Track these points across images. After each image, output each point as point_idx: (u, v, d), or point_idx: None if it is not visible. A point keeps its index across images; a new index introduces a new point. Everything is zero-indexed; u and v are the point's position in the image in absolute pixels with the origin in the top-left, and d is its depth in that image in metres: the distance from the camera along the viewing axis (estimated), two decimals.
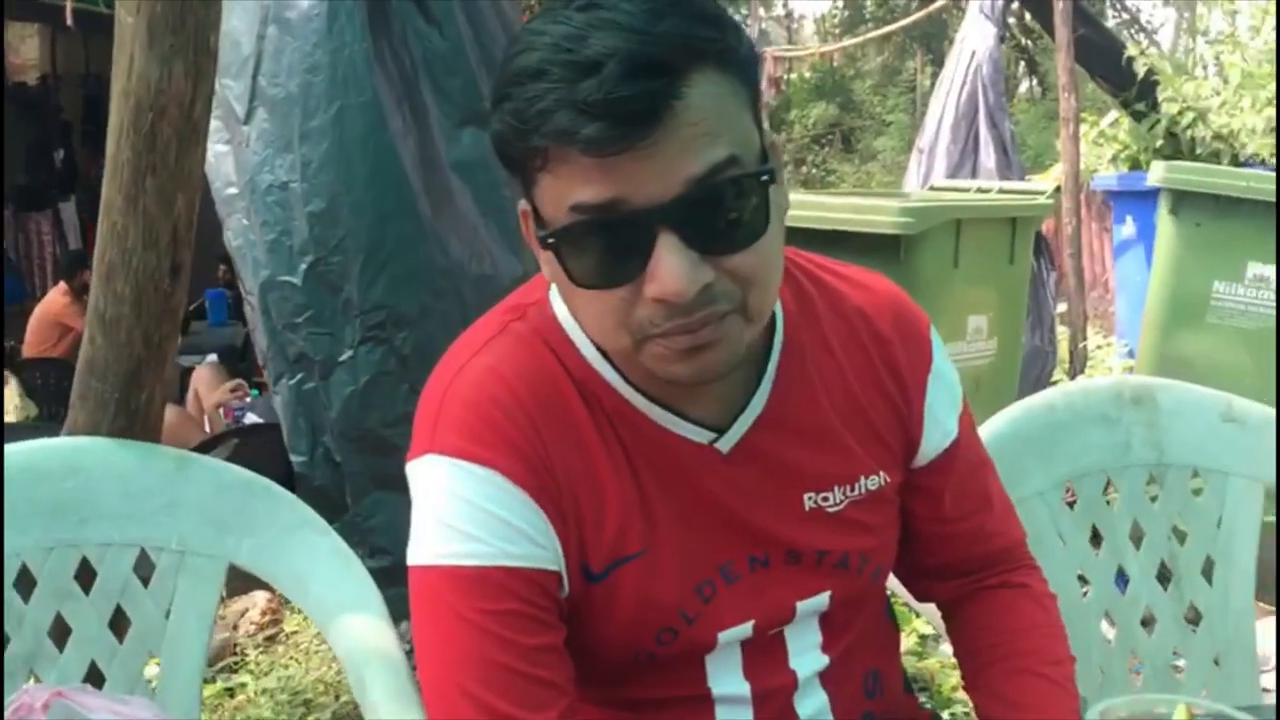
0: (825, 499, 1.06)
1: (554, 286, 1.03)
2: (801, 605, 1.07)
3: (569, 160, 0.86)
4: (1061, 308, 5.29)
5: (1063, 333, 5.14)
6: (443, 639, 0.97)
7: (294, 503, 1.47)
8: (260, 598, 3.31)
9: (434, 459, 0.98)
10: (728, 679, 1.07)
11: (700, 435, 1.01)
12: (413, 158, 2.90)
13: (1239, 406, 1.75)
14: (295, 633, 3.16)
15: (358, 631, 1.34)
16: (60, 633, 1.40)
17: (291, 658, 2.97)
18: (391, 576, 1.23)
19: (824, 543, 1.06)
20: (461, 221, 2.95)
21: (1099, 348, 5.79)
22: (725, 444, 1.02)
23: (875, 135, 16.63)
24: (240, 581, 3.23)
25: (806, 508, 1.05)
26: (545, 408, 0.99)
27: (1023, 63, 17.12)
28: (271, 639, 3.15)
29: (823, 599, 1.08)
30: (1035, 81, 16.94)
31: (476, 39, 3.09)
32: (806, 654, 1.10)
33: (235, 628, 3.23)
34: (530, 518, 0.97)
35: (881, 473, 1.09)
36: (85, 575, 1.41)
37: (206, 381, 4.47)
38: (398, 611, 1.26)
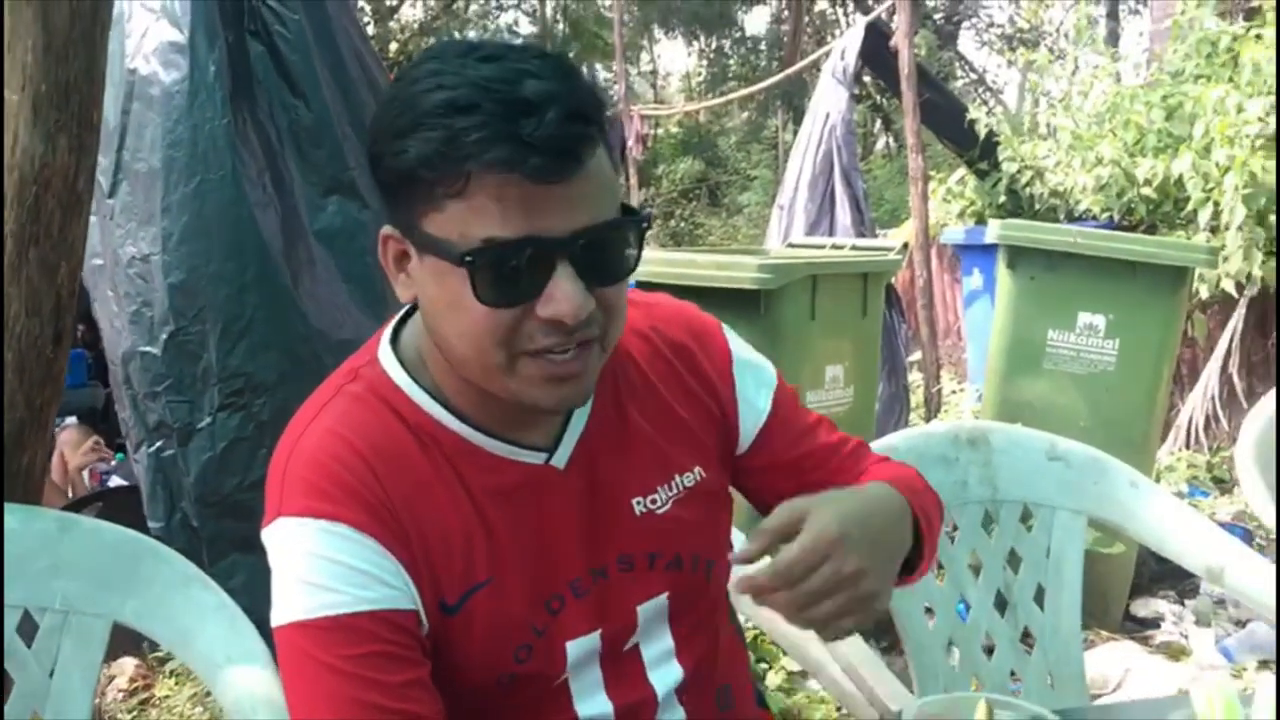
0: (653, 501, 1.16)
1: (383, 348, 1.14)
2: (641, 609, 1.16)
3: (491, 187, 0.96)
4: (916, 355, 5.56)
5: (919, 379, 5.39)
6: (311, 688, 1.03)
7: (177, 560, 1.51)
8: (128, 664, 3.25)
9: (284, 521, 1.05)
10: (592, 700, 1.15)
11: (535, 457, 1.12)
12: (274, 228, 3.00)
13: (1063, 446, 1.92)
14: (167, 697, 3.12)
15: (244, 682, 1.38)
16: None
17: (164, 718, 2.94)
18: None
19: (654, 545, 1.16)
20: (323, 289, 3.05)
21: (953, 392, 6.06)
22: (560, 460, 1.12)
23: (740, 190, 17.07)
24: (109, 648, 3.19)
25: (638, 512, 1.16)
26: (384, 458, 1.07)
27: (879, 120, 17.83)
28: (144, 704, 3.10)
29: (661, 600, 1.17)
30: (891, 139, 17.64)
31: (346, 106, 3.20)
32: (662, 666, 1.18)
33: (103, 694, 3.17)
34: (381, 563, 1.04)
35: (697, 468, 1.20)
36: None
37: (71, 444, 4.37)
38: None
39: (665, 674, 1.19)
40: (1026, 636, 1.87)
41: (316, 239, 3.03)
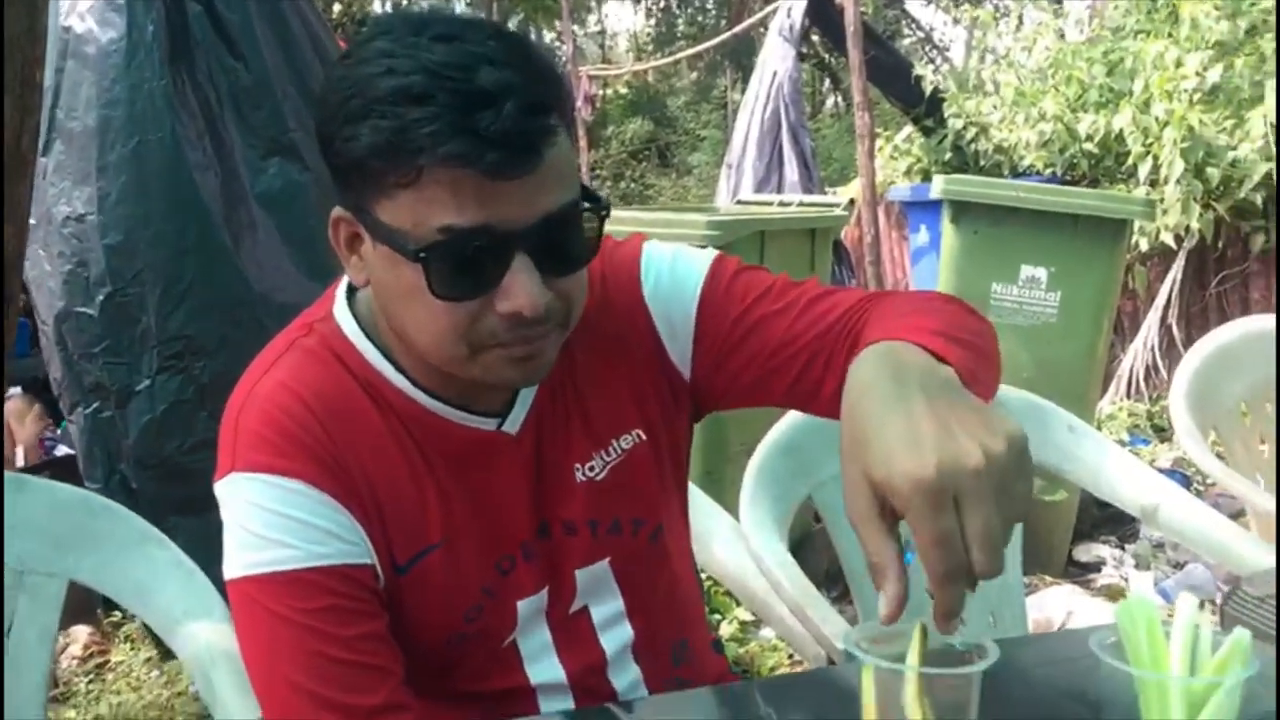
0: (591, 468, 1.15)
1: (338, 303, 1.12)
2: (580, 574, 1.15)
3: (443, 181, 0.93)
4: None
5: None
6: (266, 641, 1.04)
7: (132, 518, 1.51)
8: (82, 632, 3.24)
9: (237, 476, 1.05)
10: (544, 665, 1.15)
11: (487, 424, 1.11)
12: (214, 191, 2.97)
13: (1003, 394, 1.94)
14: (122, 662, 3.13)
15: (202, 636, 1.39)
16: None
17: (121, 685, 2.94)
18: None
19: (594, 513, 1.15)
20: (265, 252, 3.03)
21: None
22: (512, 426, 1.12)
23: (690, 150, 17.05)
24: (63, 616, 3.18)
25: (579, 479, 1.15)
26: (337, 414, 1.06)
27: (827, 80, 17.85)
28: (99, 669, 3.10)
29: (602, 566, 1.16)
30: (839, 98, 17.67)
31: (289, 67, 3.16)
32: (612, 628, 1.18)
33: (57, 662, 3.16)
34: (335, 518, 1.04)
35: (636, 430, 1.17)
36: None
37: (16, 415, 4.33)
38: None
39: (616, 635, 1.19)
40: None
41: (257, 202, 3.01)
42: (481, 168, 0.92)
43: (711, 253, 1.19)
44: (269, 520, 1.03)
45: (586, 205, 1.01)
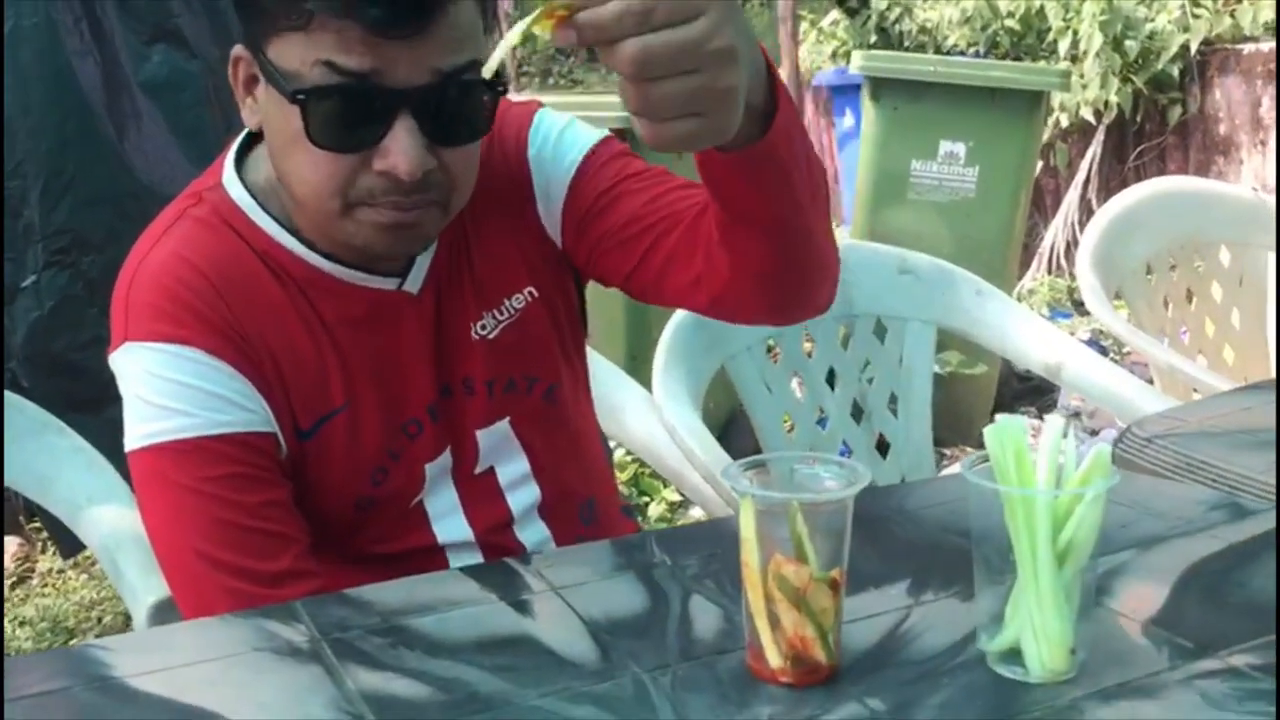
0: (484, 327, 1.15)
1: (228, 171, 1.10)
2: (481, 434, 1.16)
3: (333, 29, 0.92)
4: None
5: None
6: (169, 510, 1.04)
7: (28, 407, 1.49)
8: (11, 543, 3.22)
9: (130, 346, 1.04)
10: (451, 525, 1.16)
11: (388, 284, 1.10)
12: (94, 80, 2.86)
13: (912, 260, 1.99)
14: (50, 570, 3.10)
15: (107, 519, 1.38)
16: None
17: (49, 590, 2.93)
18: None
19: (490, 372, 1.15)
20: (151, 143, 2.93)
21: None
22: (413, 285, 1.11)
23: None
24: None
25: (474, 337, 1.14)
26: (231, 281, 1.05)
27: None
28: (25, 577, 3.08)
29: (503, 426, 1.17)
30: None
31: None
32: (519, 488, 1.19)
33: None
34: (233, 385, 1.04)
35: (528, 289, 1.16)
36: None
37: None
38: None
39: (522, 494, 1.20)
40: (882, 446, 1.96)
41: (142, 90, 2.91)
42: (364, 21, 0.91)
43: (603, 132, 1.18)
44: (167, 389, 1.03)
45: (482, 82, 0.98)
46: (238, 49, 1.03)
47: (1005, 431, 0.81)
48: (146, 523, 1.08)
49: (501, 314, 1.16)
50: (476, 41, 0.99)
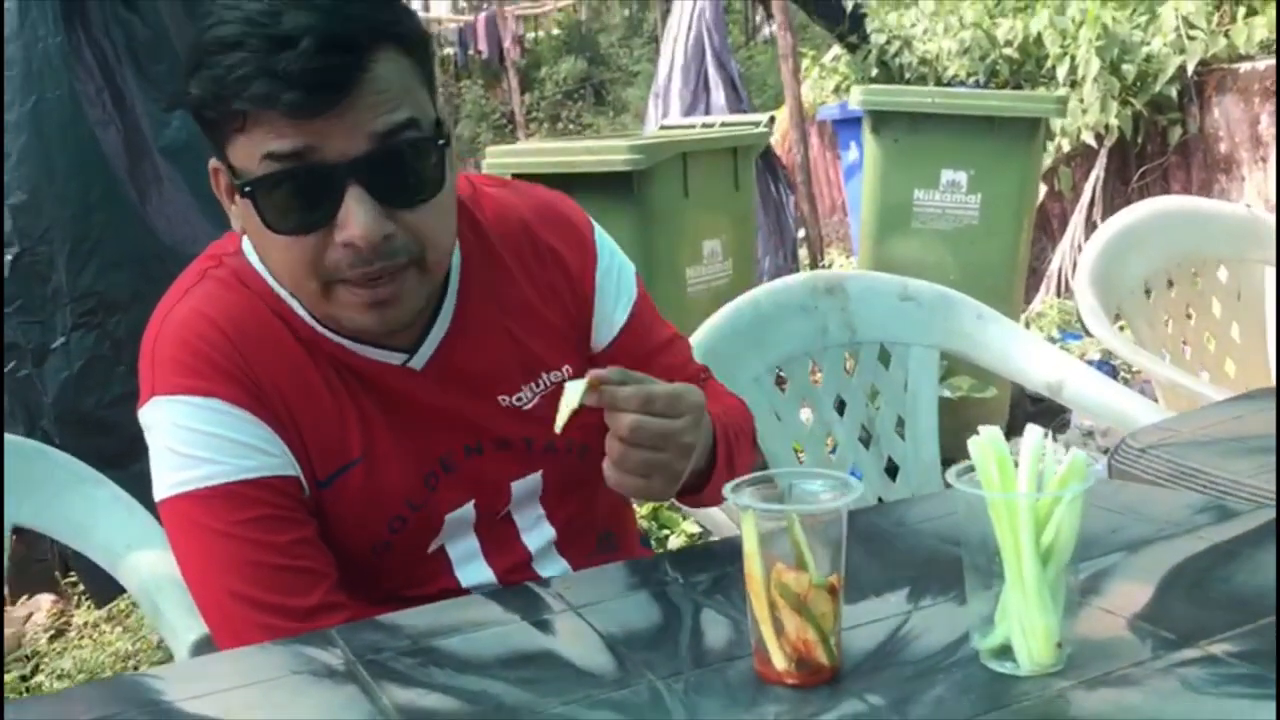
0: (518, 399, 1.20)
1: (245, 240, 1.14)
2: (516, 485, 1.21)
3: (264, 121, 0.98)
4: (804, 233, 5.69)
5: (804, 255, 5.53)
6: (202, 555, 1.09)
7: (68, 461, 1.55)
8: (45, 600, 3.28)
9: (158, 400, 1.10)
10: (472, 569, 1.21)
11: (393, 358, 1.15)
12: (116, 146, 3.00)
13: (913, 287, 2.04)
14: (86, 623, 3.17)
15: (146, 564, 1.44)
16: None
17: (85, 641, 2.99)
18: None
19: (528, 432, 1.20)
20: (172, 206, 3.07)
21: (841, 265, 6.22)
22: (418, 362, 1.16)
23: (625, 86, 16.94)
24: (25, 585, 3.21)
25: (503, 405, 1.19)
26: (249, 337, 1.10)
27: (761, 9, 17.74)
28: (62, 632, 3.14)
29: (535, 479, 1.22)
30: (772, 25, 17.56)
31: (191, 19, 3.17)
32: (534, 529, 1.24)
33: (23, 633, 3.20)
34: (257, 432, 1.09)
35: (565, 367, 1.23)
36: None
37: None
38: None
39: (538, 535, 1.24)
40: (892, 469, 2.01)
41: (162, 155, 3.05)
42: (282, 107, 0.97)
43: (632, 268, 1.31)
44: (194, 439, 1.08)
45: (423, 135, 1.03)
46: (213, 161, 1.08)
47: (988, 442, 0.86)
48: (181, 567, 1.13)
49: (540, 386, 1.21)
50: (410, 96, 1.04)
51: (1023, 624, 0.84)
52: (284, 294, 1.13)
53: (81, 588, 3.22)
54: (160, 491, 1.10)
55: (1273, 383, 2.23)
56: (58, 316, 2.97)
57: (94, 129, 2.94)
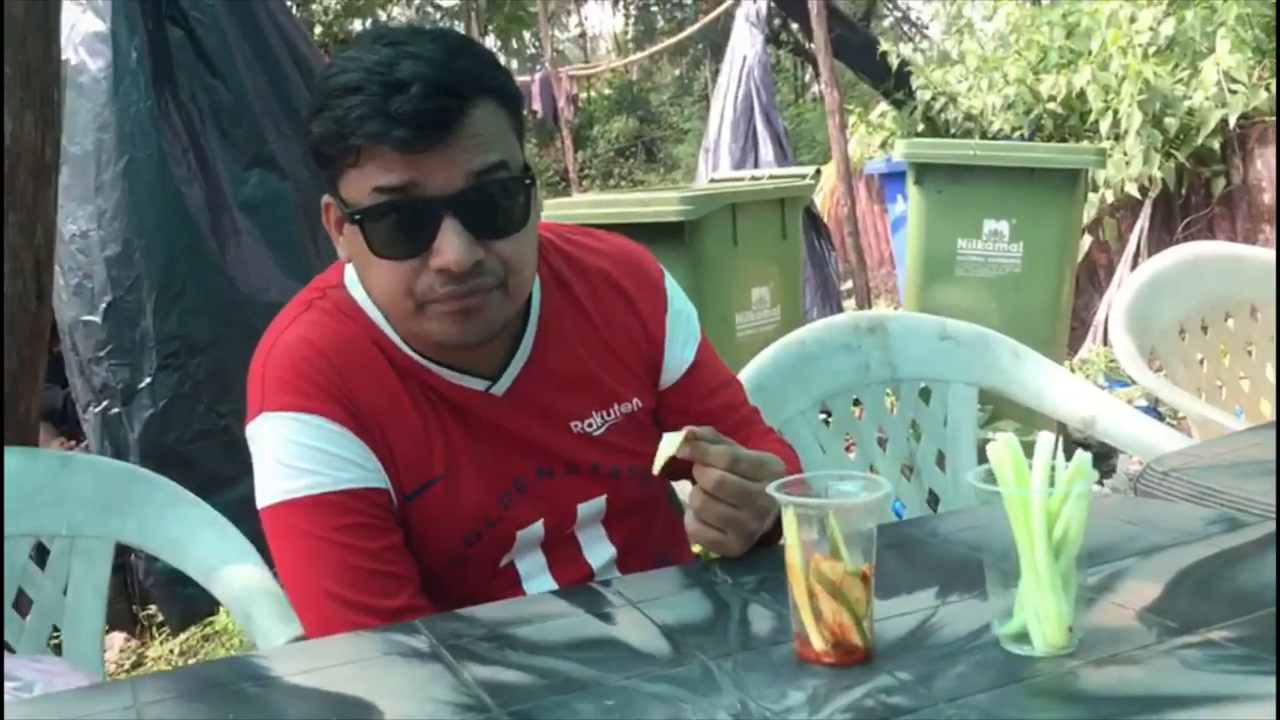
0: (589, 425, 1.33)
1: (348, 272, 1.29)
2: (582, 507, 1.33)
3: (377, 157, 1.13)
4: (850, 284, 5.79)
5: (852, 305, 5.63)
6: (302, 557, 1.22)
7: (166, 484, 1.69)
8: (117, 639, 3.42)
9: (266, 416, 1.23)
10: (538, 581, 1.33)
11: (477, 384, 1.28)
12: (200, 202, 3.27)
13: (952, 327, 2.14)
14: (159, 656, 3.30)
15: (238, 577, 1.57)
16: None
17: (160, 668, 3.12)
18: None
19: (595, 458, 1.33)
20: (249, 256, 3.32)
21: None
22: (499, 389, 1.29)
23: (675, 144, 17.22)
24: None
25: (574, 431, 1.32)
26: (349, 362, 1.24)
27: (810, 67, 18.00)
28: (139, 664, 3.28)
29: (599, 502, 1.34)
30: (820, 83, 17.77)
31: (270, 84, 3.42)
32: (595, 546, 1.36)
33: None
34: (353, 448, 1.22)
35: (635, 399, 1.37)
36: None
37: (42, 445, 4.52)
38: None
39: (599, 552, 1.36)
40: (933, 502, 2.10)
41: (240, 210, 3.29)
42: (392, 143, 1.12)
43: (695, 313, 1.45)
44: (298, 452, 1.21)
45: (512, 176, 1.18)
46: (326, 197, 1.23)
47: (1004, 446, 0.97)
48: (280, 569, 1.26)
49: (610, 415, 1.34)
50: (504, 142, 1.19)
51: (1037, 610, 0.94)
52: (380, 323, 1.26)
53: (160, 619, 3.37)
54: (265, 499, 1.22)
55: None
56: (144, 359, 3.21)
57: (179, 186, 3.19)
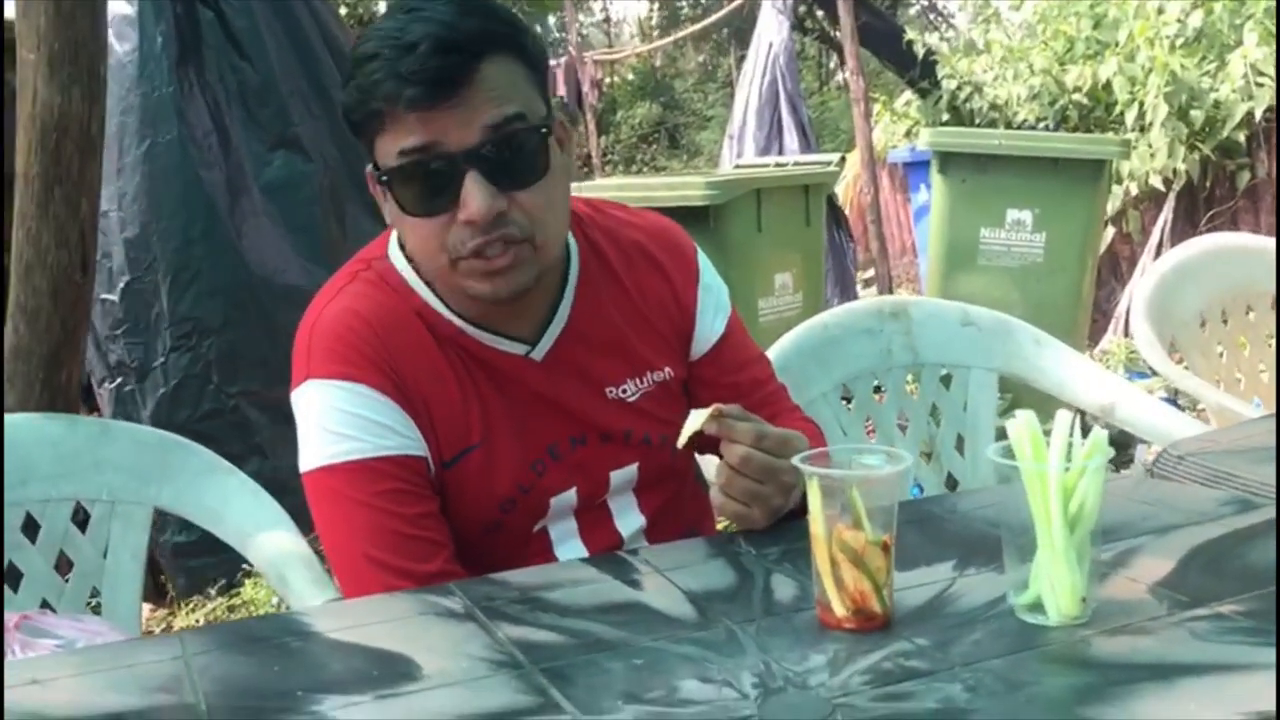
0: (624, 391, 1.37)
1: (392, 244, 1.34)
2: (614, 475, 1.37)
3: (398, 120, 1.17)
4: (872, 272, 5.81)
5: (873, 294, 5.64)
6: (342, 520, 1.26)
7: (203, 452, 1.74)
8: (144, 608, 3.48)
9: (311, 383, 1.27)
10: (568, 546, 1.37)
11: (517, 348, 1.32)
12: (219, 185, 3.34)
13: (973, 313, 2.17)
14: (187, 627, 3.36)
15: (273, 543, 1.62)
16: (13, 577, 1.64)
17: None
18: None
19: (629, 424, 1.37)
20: (266, 239, 3.39)
21: None
22: (538, 353, 1.33)
23: (698, 130, 17.21)
24: None
25: (609, 397, 1.36)
26: (392, 332, 1.28)
27: (835, 55, 17.95)
28: (165, 630, 3.35)
29: (632, 469, 1.38)
30: (846, 72, 17.72)
31: (301, 65, 3.47)
32: (626, 515, 1.40)
33: None
34: (395, 416, 1.26)
35: (667, 368, 1.40)
36: (30, 528, 1.65)
37: None
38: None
39: (629, 521, 1.40)
40: (951, 485, 2.13)
41: (262, 192, 3.37)
42: (405, 103, 1.16)
43: (726, 289, 1.48)
44: (341, 419, 1.25)
45: (528, 126, 1.21)
46: (369, 168, 1.26)
47: (1023, 423, 1.00)
48: (320, 531, 1.30)
49: (643, 383, 1.38)
50: (519, 94, 1.22)
51: (1052, 580, 0.98)
52: (422, 292, 1.30)
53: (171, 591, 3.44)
54: (308, 464, 1.27)
55: None
56: (158, 339, 3.31)
57: (199, 170, 3.28)
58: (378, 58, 1.16)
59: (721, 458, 1.23)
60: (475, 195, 1.18)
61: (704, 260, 1.47)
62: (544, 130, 1.24)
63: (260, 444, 3.30)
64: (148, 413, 3.32)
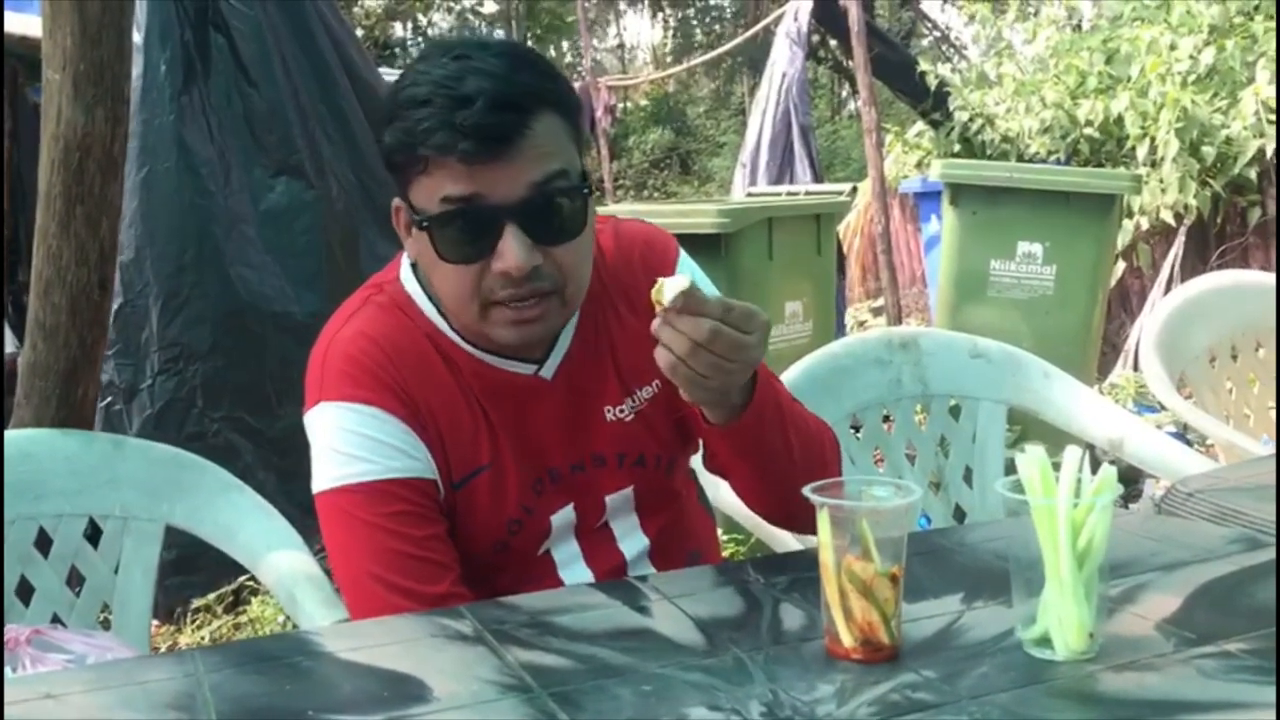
0: (621, 410, 1.38)
1: (404, 269, 1.35)
2: (609, 498, 1.38)
3: (444, 167, 1.19)
4: (881, 301, 5.82)
5: (881, 323, 5.66)
6: (351, 541, 1.27)
7: (216, 470, 1.75)
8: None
9: (324, 405, 1.29)
10: (574, 572, 1.38)
11: (525, 369, 1.33)
12: (215, 212, 3.38)
13: (983, 345, 2.18)
14: (193, 644, 3.37)
15: (284, 562, 1.63)
16: (25, 591, 1.65)
17: None
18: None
19: (622, 448, 1.38)
20: (261, 266, 3.42)
21: None
22: (547, 372, 1.34)
23: (710, 156, 17.29)
24: None
25: (608, 419, 1.37)
26: (404, 356, 1.30)
27: (847, 84, 18.03)
28: (171, 648, 3.35)
29: (627, 493, 1.39)
30: (857, 100, 17.79)
31: (320, 89, 3.52)
32: (630, 537, 1.41)
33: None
34: (406, 439, 1.27)
35: (655, 381, 1.39)
36: (43, 543, 1.67)
37: None
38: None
39: (633, 543, 1.41)
40: (959, 515, 2.13)
41: (262, 218, 3.44)
42: (458, 155, 1.17)
43: (712, 289, 1.43)
44: (353, 440, 1.26)
45: (571, 185, 1.23)
46: (396, 201, 1.29)
47: (1032, 458, 1.01)
48: (330, 551, 1.31)
49: (636, 400, 1.39)
50: (563, 152, 1.24)
51: (1059, 615, 0.98)
52: (433, 316, 1.32)
53: (192, 606, 3.44)
54: (320, 484, 1.28)
55: None
56: (147, 362, 3.36)
57: (195, 198, 3.33)
58: (430, 104, 1.17)
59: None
60: (513, 248, 1.20)
61: (683, 257, 1.44)
62: (585, 191, 1.26)
63: (242, 469, 3.31)
64: (134, 432, 3.34)
